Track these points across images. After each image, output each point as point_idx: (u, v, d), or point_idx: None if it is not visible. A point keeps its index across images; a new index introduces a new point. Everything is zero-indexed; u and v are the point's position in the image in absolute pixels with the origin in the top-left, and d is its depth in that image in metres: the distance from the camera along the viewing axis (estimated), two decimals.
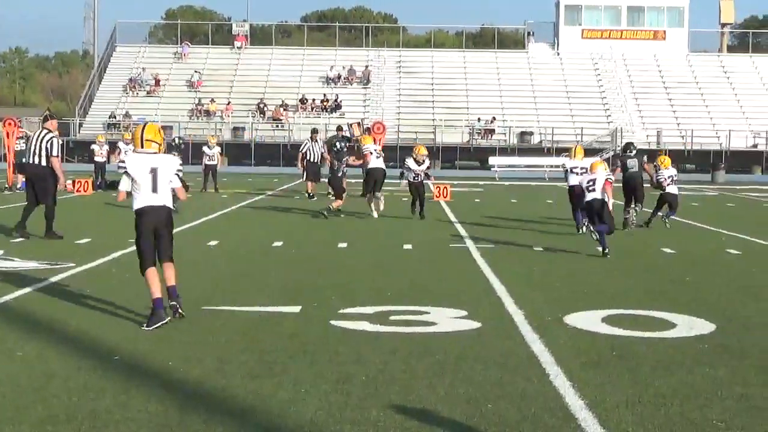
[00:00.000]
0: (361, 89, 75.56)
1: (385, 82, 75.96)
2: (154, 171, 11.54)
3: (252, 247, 19.40)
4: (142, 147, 11.77)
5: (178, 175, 12.22)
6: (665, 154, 30.36)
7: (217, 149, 38.64)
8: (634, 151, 24.74)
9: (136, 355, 9.76)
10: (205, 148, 38.33)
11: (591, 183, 19.47)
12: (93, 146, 39.59)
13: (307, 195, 34.55)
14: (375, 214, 26.33)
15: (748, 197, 34.22)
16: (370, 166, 26.70)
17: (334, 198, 27.61)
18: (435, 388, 8.63)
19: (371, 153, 26.96)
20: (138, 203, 11.54)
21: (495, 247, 19.70)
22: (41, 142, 20.09)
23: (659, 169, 25.06)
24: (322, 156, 35.04)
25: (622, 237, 21.71)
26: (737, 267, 17.51)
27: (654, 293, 14.15)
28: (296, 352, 9.98)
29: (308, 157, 35.14)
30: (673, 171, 25.03)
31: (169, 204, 11.68)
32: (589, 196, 19.32)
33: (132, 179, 11.58)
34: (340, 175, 27.63)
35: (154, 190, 11.53)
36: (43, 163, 20.08)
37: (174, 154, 26.52)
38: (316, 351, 10.02)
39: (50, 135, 20.27)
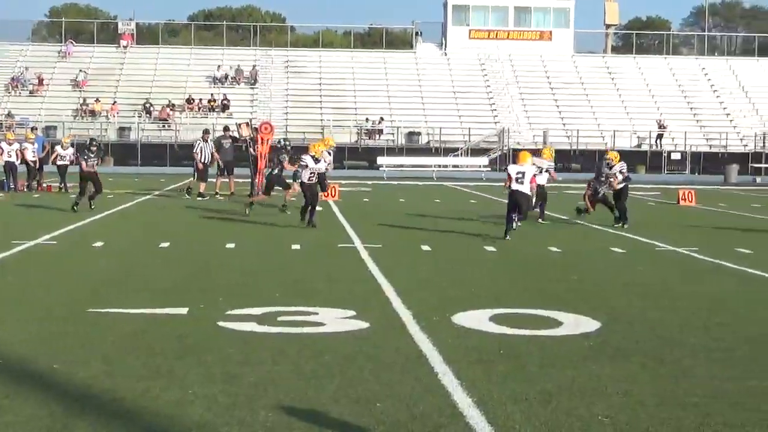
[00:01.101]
0: (248, 89, 75.17)
1: (272, 82, 75.66)
2: None
3: (138, 247, 19.21)
4: None
5: None
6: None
7: (71, 150, 38.01)
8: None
9: (19, 358, 9.59)
10: (58, 148, 37.76)
11: (520, 175, 20.01)
12: (1, 144, 38.40)
13: (190, 193, 34.58)
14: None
15: (633, 196, 34.68)
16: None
17: (285, 191, 27.50)
18: (324, 389, 8.62)
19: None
20: None
21: (383, 246, 19.74)
22: None
23: (611, 167, 25.34)
24: (212, 156, 34.89)
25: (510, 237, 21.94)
26: (622, 265, 17.76)
27: (540, 292, 14.29)
28: (184, 353, 9.90)
29: (199, 158, 34.80)
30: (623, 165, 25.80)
31: None
32: (515, 186, 19.92)
33: None
34: (275, 172, 26.70)
35: None
36: None
37: (283, 156, 26.42)
38: (203, 352, 9.95)
39: None
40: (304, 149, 26.51)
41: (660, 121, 71.04)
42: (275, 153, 29.25)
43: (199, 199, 33.44)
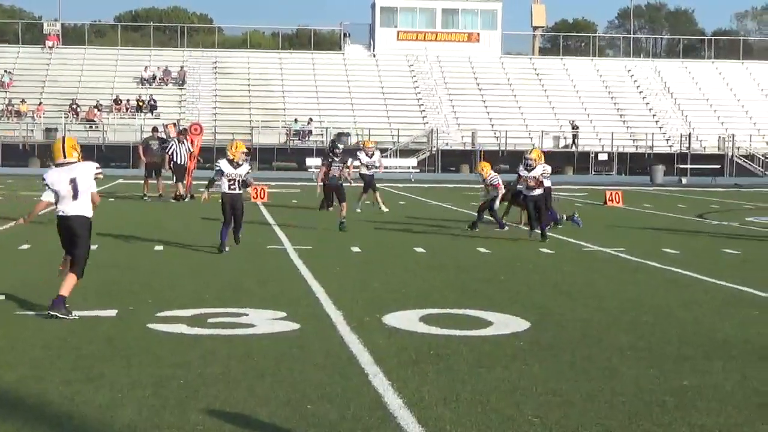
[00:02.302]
0: (176, 90, 74.82)
1: (200, 83, 75.37)
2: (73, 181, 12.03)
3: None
4: (64, 158, 12.09)
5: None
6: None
7: None
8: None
9: None
10: None
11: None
12: None
13: (185, 196, 33.88)
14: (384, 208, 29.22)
15: (560, 197, 34.93)
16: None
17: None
18: (254, 391, 8.59)
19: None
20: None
21: (313, 248, 19.72)
22: None
23: (531, 168, 22.44)
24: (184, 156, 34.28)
25: (440, 238, 22.02)
26: (550, 266, 17.87)
27: (470, 292, 14.35)
28: (113, 356, 9.83)
29: (174, 158, 33.98)
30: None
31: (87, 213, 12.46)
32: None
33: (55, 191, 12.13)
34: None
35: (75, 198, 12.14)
36: None
37: (338, 148, 26.05)
38: (133, 355, 9.88)
39: None
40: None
41: (572, 121, 71.54)
42: (346, 155, 27.72)
43: (174, 201, 33.11)
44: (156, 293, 13.76)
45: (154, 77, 75.26)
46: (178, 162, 34.03)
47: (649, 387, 8.94)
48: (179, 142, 34.37)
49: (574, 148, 69.38)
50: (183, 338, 10.73)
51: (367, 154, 30.70)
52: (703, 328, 11.81)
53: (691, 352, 10.46)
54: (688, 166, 65.54)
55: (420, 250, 19.64)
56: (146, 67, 76.05)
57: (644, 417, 8.01)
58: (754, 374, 9.52)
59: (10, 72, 73.91)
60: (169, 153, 34.13)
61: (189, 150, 34.44)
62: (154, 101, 71.59)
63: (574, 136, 70.16)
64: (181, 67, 76.43)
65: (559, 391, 8.75)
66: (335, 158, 25.70)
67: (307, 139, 69.48)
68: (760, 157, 69.92)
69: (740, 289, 14.96)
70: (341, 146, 27.58)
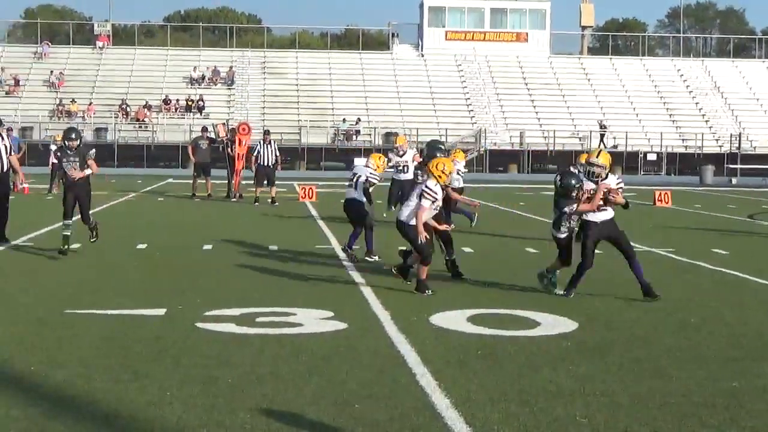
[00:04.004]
0: (225, 90, 75.10)
1: (249, 83, 75.61)
2: None
3: (115, 249, 19.14)
4: None
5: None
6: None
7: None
8: None
9: None
10: (52, 146, 36.98)
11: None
12: None
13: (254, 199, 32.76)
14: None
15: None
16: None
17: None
18: (302, 390, 8.61)
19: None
20: None
21: (359, 248, 19.72)
22: None
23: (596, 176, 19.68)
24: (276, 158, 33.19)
25: (488, 238, 21.96)
26: (598, 266, 17.75)
27: (518, 292, 14.31)
28: (161, 354, 9.88)
29: (259, 161, 32.83)
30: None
31: None
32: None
33: None
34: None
35: None
36: None
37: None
38: (181, 353, 9.93)
39: None
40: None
41: (601, 121, 71.09)
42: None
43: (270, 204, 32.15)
44: (204, 292, 13.82)
45: (203, 77, 75.58)
46: (263, 164, 32.69)
47: (698, 389, 8.89)
48: (265, 143, 33.05)
49: (602, 147, 68.64)
50: (231, 337, 10.77)
51: (397, 154, 25.23)
52: (752, 330, 11.73)
53: (740, 354, 10.39)
54: (738, 166, 65.03)
55: (468, 250, 19.59)
56: (195, 67, 76.38)
57: (693, 418, 7.96)
58: None
59: (61, 72, 74.39)
60: (255, 155, 32.89)
61: (275, 153, 32.95)
62: (203, 101, 71.89)
63: (602, 136, 69.70)
64: (230, 67, 76.70)
65: (607, 392, 8.72)
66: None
67: (355, 139, 69.53)
68: None
69: None
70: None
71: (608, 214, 14.01)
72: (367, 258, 17.94)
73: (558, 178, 13.92)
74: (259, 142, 33.49)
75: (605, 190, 13.78)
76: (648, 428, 7.70)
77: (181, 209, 30.01)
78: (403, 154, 24.47)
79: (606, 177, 14.16)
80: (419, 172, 15.06)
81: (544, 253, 19.11)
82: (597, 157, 14.22)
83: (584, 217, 13.90)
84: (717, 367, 9.76)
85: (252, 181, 32.95)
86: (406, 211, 14.29)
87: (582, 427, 7.72)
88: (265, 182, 32.47)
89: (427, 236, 13.92)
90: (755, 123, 74.05)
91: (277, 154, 33.19)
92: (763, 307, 13.29)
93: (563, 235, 14.06)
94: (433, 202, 13.94)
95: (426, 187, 13.92)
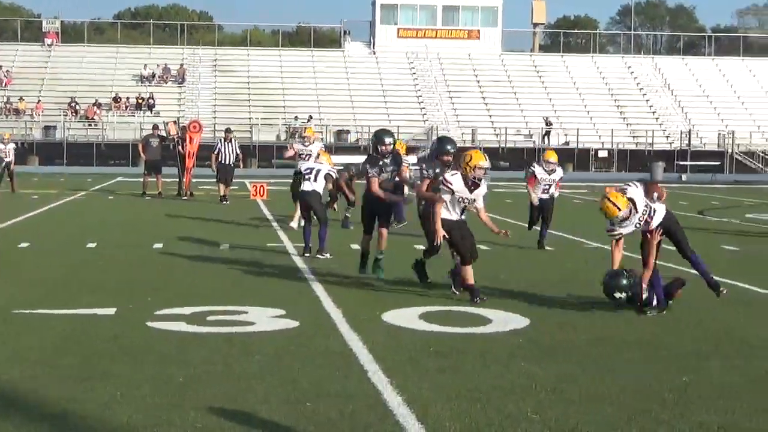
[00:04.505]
0: (176, 88, 74.74)
1: (200, 81, 75.29)
2: None
3: (64, 248, 19.02)
4: None
5: None
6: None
7: (12, 145, 37.33)
8: None
9: None
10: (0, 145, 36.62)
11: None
12: None
13: (220, 198, 32.41)
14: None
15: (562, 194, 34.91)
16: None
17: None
18: (254, 388, 8.58)
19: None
20: None
21: (313, 245, 19.68)
22: None
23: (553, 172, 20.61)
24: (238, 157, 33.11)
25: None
26: (551, 263, 17.84)
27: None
28: (112, 354, 9.82)
29: (220, 159, 32.57)
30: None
31: None
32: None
33: None
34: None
35: None
36: None
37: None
38: (132, 353, 9.87)
39: None
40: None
41: (546, 118, 71.37)
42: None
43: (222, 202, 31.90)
44: (155, 291, 13.74)
45: (153, 75, 75.19)
46: (223, 162, 32.55)
47: (649, 384, 8.93)
48: (226, 141, 33.01)
49: (546, 144, 68.46)
50: (182, 336, 10.72)
51: (303, 143, 25.21)
52: (702, 326, 11.82)
53: (690, 349, 10.46)
54: (688, 162, 65.46)
55: (420, 247, 19.58)
56: (146, 65, 75.95)
57: (644, 414, 8.00)
58: (751, 369, 9.53)
59: (8, 69, 73.75)
60: (215, 153, 32.74)
61: (236, 151, 32.95)
62: (154, 99, 71.53)
63: (548, 133, 69.90)
64: (181, 65, 76.34)
65: (558, 388, 8.75)
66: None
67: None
68: (760, 153, 69.87)
69: (738, 285, 14.92)
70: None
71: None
72: (318, 256, 17.94)
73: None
74: (220, 140, 33.52)
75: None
76: (599, 424, 7.73)
77: (131, 208, 29.85)
78: (308, 145, 24.19)
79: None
80: (424, 165, 14.35)
81: (495, 251, 19.16)
82: (548, 156, 16.79)
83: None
84: (668, 362, 9.82)
85: (214, 180, 32.89)
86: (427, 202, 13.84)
87: (534, 423, 7.74)
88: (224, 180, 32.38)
89: (445, 235, 13.34)
90: (705, 120, 74.59)
91: (238, 152, 33.16)
92: (712, 302, 13.32)
93: None
94: (452, 194, 13.32)
95: (443, 178, 13.39)
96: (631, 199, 12.69)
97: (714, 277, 13.22)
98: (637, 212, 12.72)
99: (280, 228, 23.15)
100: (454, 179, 13.31)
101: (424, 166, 14.20)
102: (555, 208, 20.64)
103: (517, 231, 23.23)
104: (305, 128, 24.58)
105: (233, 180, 33.31)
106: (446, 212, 13.38)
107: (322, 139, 19.03)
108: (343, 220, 23.03)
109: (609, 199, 12.66)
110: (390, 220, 16.12)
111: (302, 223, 19.05)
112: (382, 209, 15.10)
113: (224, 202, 31.65)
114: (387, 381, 8.87)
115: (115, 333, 10.84)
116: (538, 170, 20.13)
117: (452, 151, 14.12)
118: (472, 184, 13.32)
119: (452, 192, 13.29)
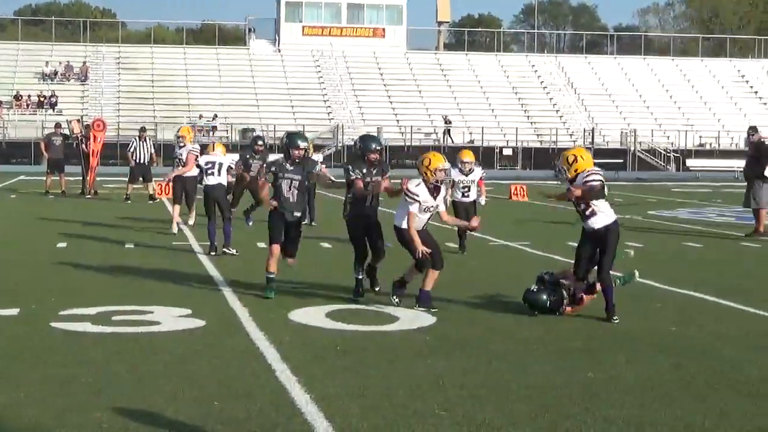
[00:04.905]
0: (79, 86, 73.88)
1: (103, 79, 74.50)
2: None
3: None
4: None
5: None
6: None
7: None
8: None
9: None
10: None
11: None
12: None
13: (124, 197, 32.24)
14: None
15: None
16: None
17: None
18: (160, 389, 8.53)
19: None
20: None
21: (217, 243, 19.59)
22: None
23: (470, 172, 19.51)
24: (152, 156, 32.64)
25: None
26: (456, 261, 17.93)
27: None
28: (16, 355, 9.71)
29: (135, 158, 32.23)
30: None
31: None
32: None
33: None
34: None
35: None
36: None
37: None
38: (36, 354, 9.76)
39: None
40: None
41: (445, 116, 71.74)
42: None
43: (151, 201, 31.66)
44: (59, 291, 13.59)
45: (55, 73, 74.24)
46: (139, 161, 32.23)
47: (556, 380, 9.03)
48: (141, 140, 32.55)
49: (448, 143, 68.76)
50: (87, 336, 10.62)
51: (462, 171, 19.44)
52: (606, 322, 11.96)
53: (595, 345, 10.59)
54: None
55: (326, 245, 19.60)
56: (47, 62, 75.01)
57: (551, 409, 8.09)
58: (655, 367, 9.67)
59: None
60: (131, 152, 32.35)
61: (150, 150, 32.55)
62: (56, 97, 70.66)
63: (447, 131, 70.29)
64: (84, 63, 75.49)
65: (466, 384, 8.81)
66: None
67: (212, 135, 69.04)
68: (662, 151, 70.84)
69: (645, 282, 15.03)
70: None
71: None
72: (225, 250, 17.90)
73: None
74: (135, 139, 33.23)
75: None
76: (507, 420, 7.79)
77: (34, 207, 29.44)
78: (183, 146, 24.01)
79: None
80: (351, 166, 13.91)
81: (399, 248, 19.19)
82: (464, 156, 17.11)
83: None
84: (574, 358, 9.93)
85: (125, 178, 32.66)
86: (399, 214, 13.08)
87: (442, 419, 7.78)
88: (141, 179, 32.17)
89: (426, 251, 12.68)
90: (607, 118, 75.46)
91: (152, 150, 33.01)
92: (618, 299, 13.48)
93: None
94: (419, 204, 12.72)
95: (407, 190, 12.75)
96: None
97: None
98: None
99: (186, 226, 22.99)
100: (419, 189, 12.81)
101: (351, 167, 13.96)
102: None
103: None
104: (180, 127, 24.06)
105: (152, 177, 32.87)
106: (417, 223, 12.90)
107: (306, 149, 16.64)
108: (246, 214, 23.17)
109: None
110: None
111: (181, 225, 18.93)
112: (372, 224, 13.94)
113: (154, 200, 31.73)
114: (294, 379, 8.87)
115: (19, 333, 10.71)
116: (453, 172, 16.70)
117: (378, 149, 13.91)
118: (434, 189, 12.86)
119: (419, 203, 12.82)
